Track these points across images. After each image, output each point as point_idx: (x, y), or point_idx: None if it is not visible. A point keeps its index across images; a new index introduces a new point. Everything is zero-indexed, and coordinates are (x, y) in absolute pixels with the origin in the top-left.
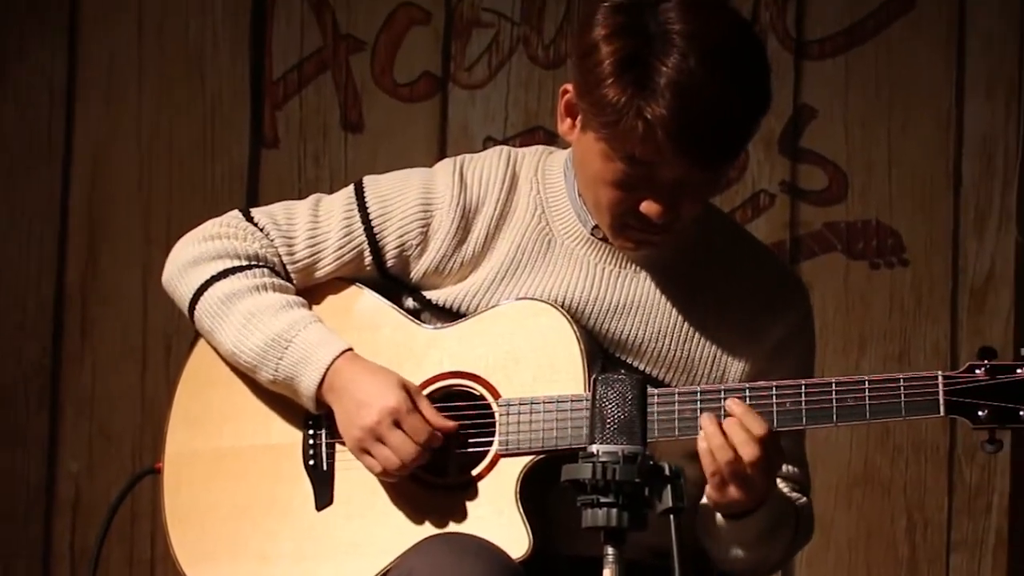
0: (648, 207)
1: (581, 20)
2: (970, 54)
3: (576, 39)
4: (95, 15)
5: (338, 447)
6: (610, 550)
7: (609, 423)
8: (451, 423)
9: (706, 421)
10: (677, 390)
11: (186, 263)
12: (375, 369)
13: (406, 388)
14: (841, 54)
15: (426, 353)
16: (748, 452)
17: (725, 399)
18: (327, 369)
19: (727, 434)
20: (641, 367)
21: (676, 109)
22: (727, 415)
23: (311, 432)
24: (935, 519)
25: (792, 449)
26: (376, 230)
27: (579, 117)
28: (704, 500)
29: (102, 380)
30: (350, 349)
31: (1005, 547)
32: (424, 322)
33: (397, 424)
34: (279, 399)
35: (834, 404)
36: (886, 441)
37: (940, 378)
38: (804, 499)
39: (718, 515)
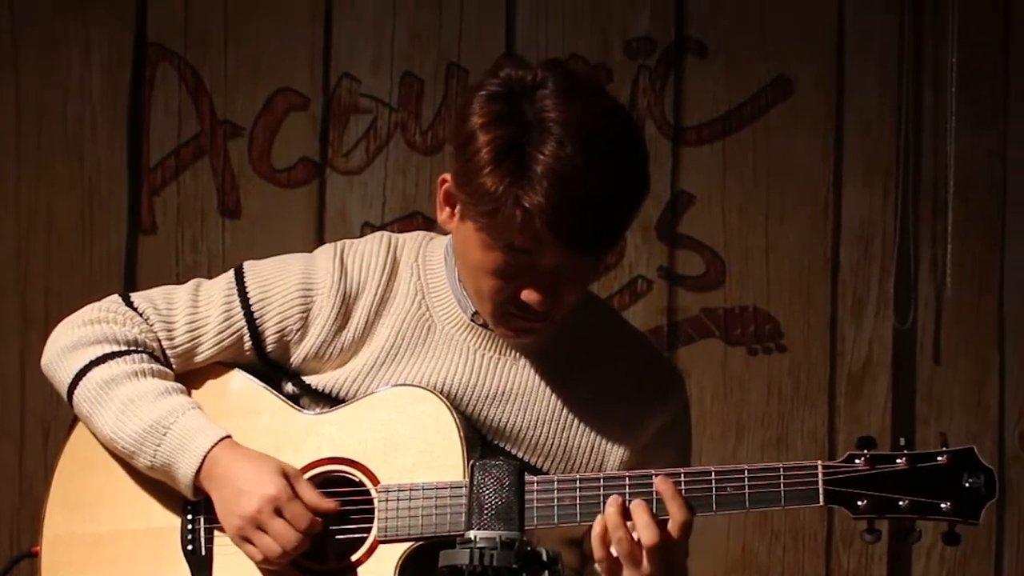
0: (529, 295)
1: (458, 109)
2: (848, 140)
3: (454, 128)
4: None
5: (216, 532)
6: None
7: (487, 509)
8: (332, 503)
9: (609, 502)
10: (556, 477)
11: (65, 347)
12: (253, 456)
13: (285, 474)
14: (718, 140)
15: (305, 439)
16: (647, 536)
17: (604, 487)
18: (205, 457)
19: (632, 516)
20: (519, 454)
21: (553, 197)
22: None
23: (190, 517)
24: None
25: None
26: (256, 315)
27: (458, 207)
28: None
29: None
30: (228, 436)
31: None
32: (304, 407)
33: (278, 512)
34: (158, 483)
35: (713, 493)
36: (764, 527)
37: (820, 467)
38: None
39: None
